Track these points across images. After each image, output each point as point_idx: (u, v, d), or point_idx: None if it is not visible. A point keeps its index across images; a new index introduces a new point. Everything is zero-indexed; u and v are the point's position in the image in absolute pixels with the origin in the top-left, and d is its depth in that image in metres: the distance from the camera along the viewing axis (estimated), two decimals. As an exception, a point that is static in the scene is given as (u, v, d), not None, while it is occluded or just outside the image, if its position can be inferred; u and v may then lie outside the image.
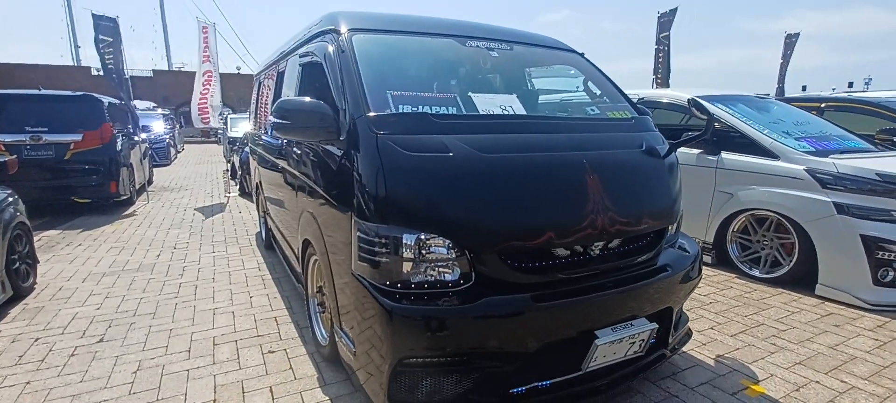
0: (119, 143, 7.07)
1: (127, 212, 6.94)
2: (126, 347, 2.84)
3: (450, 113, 2.13)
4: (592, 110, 2.71)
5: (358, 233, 1.86)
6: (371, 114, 1.93)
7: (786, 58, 15.87)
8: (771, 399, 2.31)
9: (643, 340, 2.04)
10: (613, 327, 1.96)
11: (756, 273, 4.02)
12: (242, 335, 3.00)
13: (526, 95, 2.69)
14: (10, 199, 3.72)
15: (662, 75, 13.06)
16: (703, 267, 4.12)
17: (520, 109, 2.33)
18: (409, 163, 1.81)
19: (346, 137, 2.00)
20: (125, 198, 7.21)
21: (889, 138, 4.75)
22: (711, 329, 3.07)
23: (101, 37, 7.66)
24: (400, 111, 2.02)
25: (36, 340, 2.92)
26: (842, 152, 3.95)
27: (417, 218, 1.79)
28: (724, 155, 4.23)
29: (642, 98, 4.94)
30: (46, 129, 6.30)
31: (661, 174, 2.32)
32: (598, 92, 2.89)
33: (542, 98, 2.95)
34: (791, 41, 15.81)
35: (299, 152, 2.78)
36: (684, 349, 2.77)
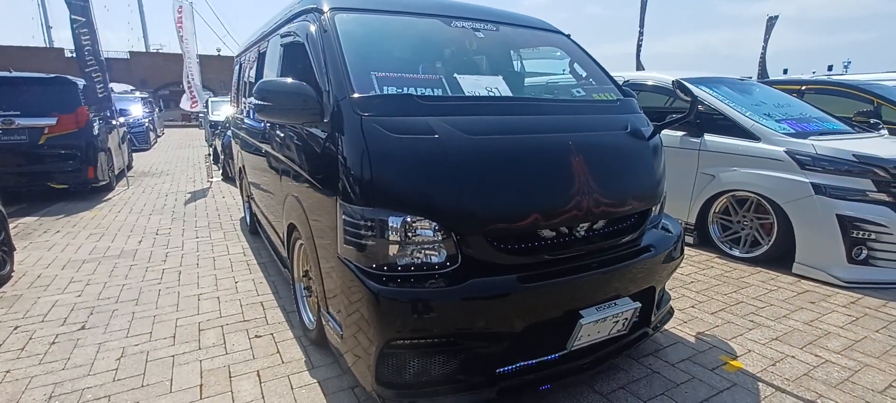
0: (96, 127, 6.89)
1: (106, 198, 6.80)
2: (109, 334, 2.80)
3: (435, 94, 2.11)
4: (578, 92, 2.71)
5: (343, 217, 1.85)
6: (355, 95, 1.90)
7: (766, 40, 15.99)
8: (748, 373, 2.38)
9: (626, 319, 2.08)
10: (598, 306, 1.99)
11: (736, 252, 4.11)
12: (228, 320, 2.98)
13: (512, 77, 2.68)
14: (-17, 185, 3.62)
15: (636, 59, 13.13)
16: (686, 248, 4.21)
17: (506, 91, 2.31)
18: (394, 146, 1.80)
19: (329, 119, 1.97)
20: (104, 183, 7.05)
21: (866, 120, 4.87)
22: (692, 307, 3.14)
23: (74, 17, 7.37)
24: (385, 92, 2.00)
25: (15, 328, 2.87)
26: (821, 134, 4.03)
27: (403, 201, 1.78)
28: (707, 137, 4.29)
29: (628, 80, 4.96)
30: (19, 113, 6.10)
31: (646, 156, 2.34)
32: (584, 73, 2.89)
33: (528, 79, 2.93)
34: (770, 23, 15.92)
35: (283, 135, 2.74)
36: (666, 326, 2.83)
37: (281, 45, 2.88)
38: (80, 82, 6.94)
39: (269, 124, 3.09)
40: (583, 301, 1.97)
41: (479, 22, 2.66)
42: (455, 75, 2.26)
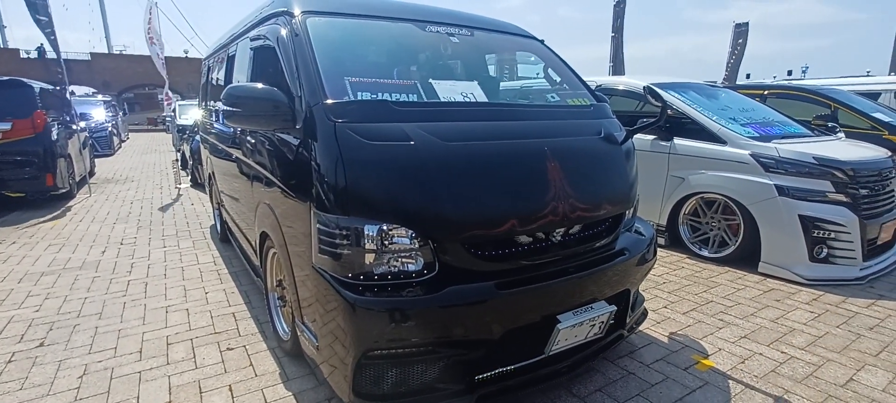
0: (55, 132, 6.60)
1: (67, 207, 6.51)
2: (70, 350, 2.67)
3: (410, 100, 2.09)
4: (553, 97, 2.74)
5: (318, 225, 1.81)
6: (329, 101, 1.87)
7: (739, 46, 16.50)
8: (719, 372, 2.44)
9: (603, 322, 2.10)
10: (575, 311, 2.00)
11: (705, 253, 4.23)
12: (198, 333, 2.88)
13: (487, 82, 2.68)
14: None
15: (618, 62, 13.42)
16: (658, 249, 4.30)
17: (481, 96, 2.32)
18: (369, 153, 1.77)
19: (302, 126, 1.93)
20: (64, 191, 6.76)
21: (824, 124, 5.08)
22: (665, 307, 3.21)
23: (38, 16, 7.08)
24: (359, 98, 1.97)
25: (-34, 347, 2.70)
26: (783, 137, 4.18)
27: (379, 209, 1.75)
28: (677, 140, 4.40)
29: (600, 85, 5.05)
30: (-31, 118, 5.78)
31: (619, 160, 2.38)
32: (558, 79, 2.92)
33: (502, 84, 2.95)
34: (741, 30, 16.47)
35: (253, 141, 2.67)
36: (640, 328, 2.88)
37: (250, 48, 2.81)
38: (37, 85, 6.64)
39: (239, 129, 3.01)
40: (560, 305, 1.98)
41: (454, 27, 2.66)
42: (430, 80, 2.25)
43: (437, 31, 2.59)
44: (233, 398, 2.24)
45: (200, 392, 2.28)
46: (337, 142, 1.77)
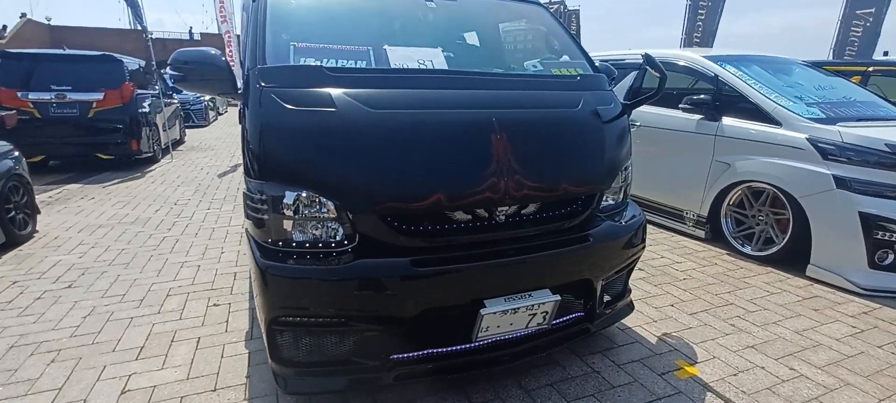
0: (142, 103, 7.40)
1: (148, 170, 7.31)
2: (88, 293, 3.00)
3: (355, 66, 2.02)
4: (535, 66, 2.51)
5: (244, 191, 1.84)
6: (263, 66, 1.87)
7: (870, 17, 14.24)
8: (700, 382, 2.13)
9: (546, 312, 1.92)
10: (506, 297, 1.84)
11: (748, 250, 3.71)
12: (197, 288, 3.10)
13: (461, 50, 2.53)
14: (10, 153, 3.99)
15: (706, 36, 12.14)
16: (695, 242, 3.87)
17: (442, 64, 2.18)
18: (289, 119, 1.74)
19: (242, 91, 1.95)
20: (148, 155, 7.59)
21: (932, 106, 4.18)
22: (671, 306, 2.87)
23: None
24: (300, 64, 1.94)
25: (13, 283, 3.15)
26: (859, 120, 3.51)
27: (296, 176, 1.73)
28: (725, 121, 3.87)
29: (661, 58, 4.54)
30: (70, 88, 6.66)
31: (596, 136, 2.12)
32: (558, 46, 2.68)
33: (478, 52, 2.75)
34: None
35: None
36: (630, 325, 2.61)
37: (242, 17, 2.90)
38: (127, 60, 7.47)
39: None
40: (488, 290, 1.83)
41: (434, -8, 2.52)
42: (384, 47, 2.16)
43: None
44: (196, 349, 2.39)
45: (172, 342, 2.46)
46: (260, 107, 1.76)
